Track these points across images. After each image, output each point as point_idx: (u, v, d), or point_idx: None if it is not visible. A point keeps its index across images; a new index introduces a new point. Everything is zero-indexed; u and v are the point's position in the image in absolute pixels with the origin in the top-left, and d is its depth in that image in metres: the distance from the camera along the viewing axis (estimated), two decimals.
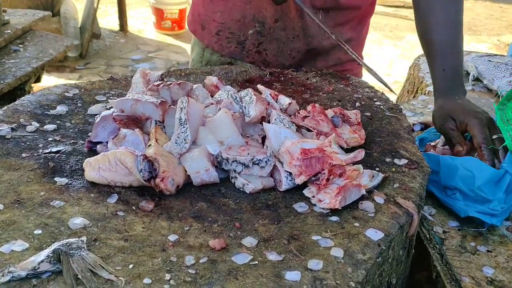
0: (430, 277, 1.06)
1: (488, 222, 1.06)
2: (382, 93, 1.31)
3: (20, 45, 2.82)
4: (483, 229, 1.09)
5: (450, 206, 1.13)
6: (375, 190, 0.90)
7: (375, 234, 0.79)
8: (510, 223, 1.11)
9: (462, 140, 1.18)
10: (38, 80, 3.02)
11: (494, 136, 1.15)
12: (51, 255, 0.67)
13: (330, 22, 1.42)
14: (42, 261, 0.66)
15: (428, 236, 1.08)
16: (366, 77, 1.53)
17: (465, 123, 1.16)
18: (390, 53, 5.41)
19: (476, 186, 1.08)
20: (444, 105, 1.23)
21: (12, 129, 1.00)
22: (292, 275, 0.69)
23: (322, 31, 1.41)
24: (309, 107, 1.06)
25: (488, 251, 1.03)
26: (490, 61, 1.95)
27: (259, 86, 1.15)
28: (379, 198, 0.88)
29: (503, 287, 0.93)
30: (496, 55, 2.16)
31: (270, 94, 1.11)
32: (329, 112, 1.08)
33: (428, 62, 1.30)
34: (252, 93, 1.04)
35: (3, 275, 0.65)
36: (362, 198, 0.87)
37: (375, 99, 1.27)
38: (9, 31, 2.80)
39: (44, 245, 0.71)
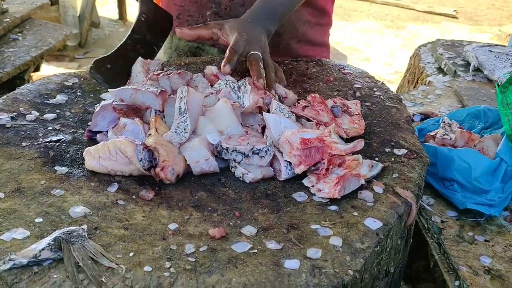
0: (427, 266, 1.07)
1: (487, 213, 1.07)
2: (382, 83, 1.31)
3: (19, 34, 2.81)
4: (481, 219, 1.10)
5: (448, 198, 1.14)
6: (374, 180, 0.90)
7: (373, 223, 0.80)
8: (508, 214, 1.12)
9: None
10: (37, 69, 3.01)
11: (251, 52, 1.14)
12: (52, 243, 0.68)
13: None
14: (43, 249, 0.67)
15: (426, 225, 1.08)
16: (364, 66, 1.52)
17: (227, 32, 1.17)
18: (391, 43, 5.39)
19: (473, 177, 1.08)
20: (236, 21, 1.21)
21: (12, 118, 1.01)
22: (291, 263, 0.70)
23: None
24: (309, 97, 1.06)
25: (485, 240, 1.04)
26: (491, 51, 1.94)
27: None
28: (378, 188, 0.88)
29: (500, 276, 0.94)
30: (497, 45, 2.16)
31: None
32: (329, 102, 1.08)
33: None
34: (247, 83, 1.04)
35: (4, 263, 0.65)
36: (361, 187, 0.87)
37: (375, 89, 1.26)
38: (7, 19, 2.79)
39: (45, 233, 0.72)
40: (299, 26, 1.48)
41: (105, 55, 1.12)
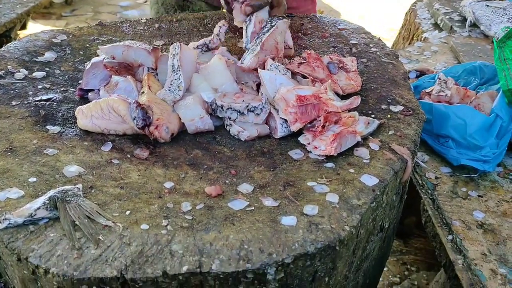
0: (419, 222, 1.09)
1: (480, 169, 1.07)
2: (379, 39, 1.28)
3: None
4: (475, 175, 1.10)
5: (443, 155, 1.14)
6: (371, 137, 0.90)
7: (369, 180, 0.80)
8: (502, 169, 1.13)
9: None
10: (23, 27, 2.92)
11: None
12: (47, 202, 0.67)
13: None
14: (38, 208, 0.66)
15: (420, 182, 1.09)
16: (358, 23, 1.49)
17: None
18: (385, 0, 5.27)
19: (468, 133, 1.08)
20: None
21: (0, 77, 0.98)
22: (288, 220, 0.70)
23: None
24: (304, 54, 1.04)
25: (479, 196, 1.05)
26: (488, 6, 1.91)
27: None
28: (374, 145, 0.88)
29: (492, 230, 0.96)
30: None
31: None
32: (325, 59, 1.06)
33: None
34: (261, 42, 0.98)
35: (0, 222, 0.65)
36: (358, 144, 0.87)
37: (371, 45, 1.24)
38: None
39: (40, 193, 0.71)
40: None
41: None
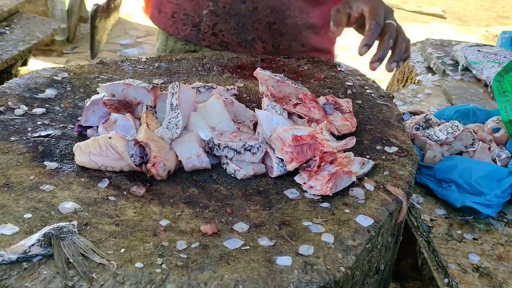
0: (415, 265, 1.08)
1: (484, 212, 1.07)
2: (373, 81, 1.31)
3: (7, 28, 2.76)
4: (470, 218, 1.11)
5: (445, 198, 1.13)
6: (366, 177, 0.90)
7: (365, 220, 0.80)
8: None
9: (342, 22, 1.17)
10: (25, 63, 2.97)
11: (388, 21, 1.14)
12: (42, 238, 0.67)
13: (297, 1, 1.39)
14: (33, 245, 0.66)
15: (415, 223, 1.09)
16: (353, 65, 1.53)
17: (361, 7, 1.16)
18: None
19: (473, 179, 1.09)
20: None
21: (0, 112, 0.99)
22: (283, 260, 0.70)
23: (287, 6, 1.38)
24: (300, 95, 1.06)
25: (474, 238, 1.05)
26: (479, 51, 1.96)
27: (259, 70, 1.11)
28: (369, 185, 0.88)
29: (488, 273, 0.95)
30: (485, 45, 2.18)
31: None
32: (321, 99, 1.08)
33: None
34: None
35: None
36: (353, 185, 0.88)
37: (366, 87, 1.27)
38: None
39: (35, 229, 0.71)
40: (303, 29, 1.45)
41: None
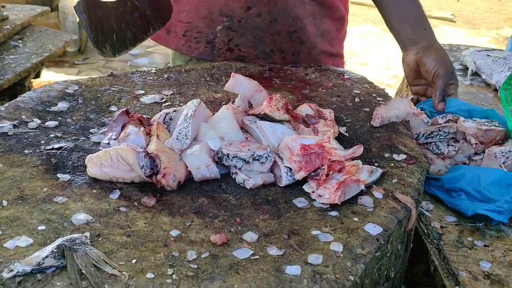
0: (428, 270, 1.08)
1: (495, 219, 1.06)
2: (382, 89, 1.32)
3: (20, 41, 2.82)
4: (480, 224, 1.10)
5: (455, 207, 1.12)
6: (374, 185, 0.91)
7: (374, 229, 0.80)
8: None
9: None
10: (37, 75, 3.03)
11: (451, 81, 1.30)
12: (55, 250, 0.68)
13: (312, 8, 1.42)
14: (46, 257, 0.67)
15: (425, 231, 1.09)
16: (362, 71, 1.53)
17: (436, 72, 1.28)
18: (389, 47, 5.41)
19: (482, 186, 1.08)
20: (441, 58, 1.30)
21: (14, 126, 1.01)
22: (293, 269, 0.70)
23: (306, 14, 1.41)
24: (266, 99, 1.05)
25: (485, 245, 1.04)
26: (488, 55, 1.95)
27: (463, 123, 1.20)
28: (378, 193, 0.89)
29: (499, 281, 0.95)
30: (494, 49, 2.17)
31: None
32: (304, 107, 1.08)
33: (387, 19, 1.39)
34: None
35: (8, 271, 0.66)
36: (361, 193, 0.88)
37: (374, 95, 1.27)
38: (8, 26, 2.80)
39: (48, 241, 0.72)
40: (320, 36, 1.47)
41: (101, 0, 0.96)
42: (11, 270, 0.66)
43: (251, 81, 1.08)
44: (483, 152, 1.19)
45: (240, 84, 1.07)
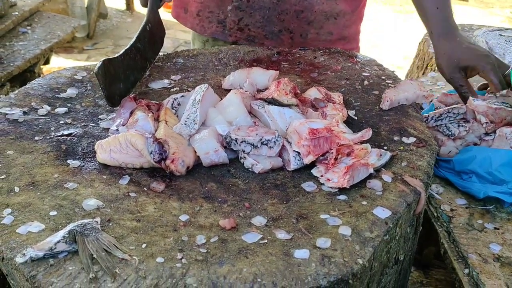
0: (438, 252, 1.08)
1: (507, 201, 1.06)
2: (392, 71, 1.30)
3: (28, 27, 2.82)
4: (491, 207, 1.09)
5: (467, 190, 1.11)
6: (383, 169, 0.90)
7: (382, 212, 0.80)
8: None
9: (473, 92, 1.21)
10: (47, 61, 3.03)
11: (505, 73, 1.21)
12: (66, 235, 0.69)
13: None
14: (58, 242, 0.68)
15: (435, 214, 1.09)
16: (372, 52, 1.51)
17: (477, 69, 1.19)
18: (400, 29, 5.33)
19: (494, 167, 1.07)
20: (448, 51, 1.24)
21: (24, 113, 1.02)
22: (301, 253, 0.71)
23: None
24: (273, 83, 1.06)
25: (495, 228, 1.04)
26: (501, 35, 1.92)
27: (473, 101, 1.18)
28: (387, 177, 0.88)
29: (509, 263, 0.94)
30: (507, 29, 2.13)
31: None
32: (313, 91, 1.08)
33: (418, 7, 1.32)
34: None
35: (21, 256, 0.67)
36: (370, 176, 0.88)
37: (383, 77, 1.26)
38: (16, 13, 2.80)
39: (60, 226, 0.74)
40: (331, 17, 1.44)
41: (112, 57, 1.06)
42: (24, 255, 0.67)
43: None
44: (494, 132, 1.17)
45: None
